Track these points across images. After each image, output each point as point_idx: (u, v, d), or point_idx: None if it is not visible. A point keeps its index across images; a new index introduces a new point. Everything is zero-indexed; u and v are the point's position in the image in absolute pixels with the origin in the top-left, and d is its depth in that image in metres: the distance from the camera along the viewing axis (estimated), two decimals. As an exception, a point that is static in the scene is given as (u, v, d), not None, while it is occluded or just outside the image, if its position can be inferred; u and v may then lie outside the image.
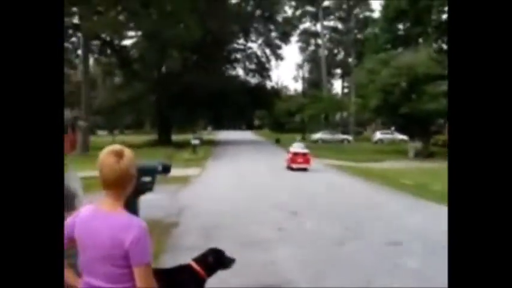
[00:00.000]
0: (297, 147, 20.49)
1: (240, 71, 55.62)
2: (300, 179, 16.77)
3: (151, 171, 7.05)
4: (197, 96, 45.59)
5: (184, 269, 3.62)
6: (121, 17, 36.91)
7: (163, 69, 46.09)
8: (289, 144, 23.60)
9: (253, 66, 54.60)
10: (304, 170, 19.31)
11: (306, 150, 20.06)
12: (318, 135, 48.08)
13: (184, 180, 15.31)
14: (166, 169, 7.71)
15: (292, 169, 19.41)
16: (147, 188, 7.08)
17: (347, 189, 14.57)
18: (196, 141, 29.85)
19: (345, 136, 48.27)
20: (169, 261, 5.66)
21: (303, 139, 50.75)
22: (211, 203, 11.38)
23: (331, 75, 70.62)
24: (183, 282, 3.54)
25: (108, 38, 40.99)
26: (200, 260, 3.65)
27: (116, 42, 43.09)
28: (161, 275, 3.74)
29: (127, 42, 45.74)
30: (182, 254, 6.47)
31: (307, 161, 19.68)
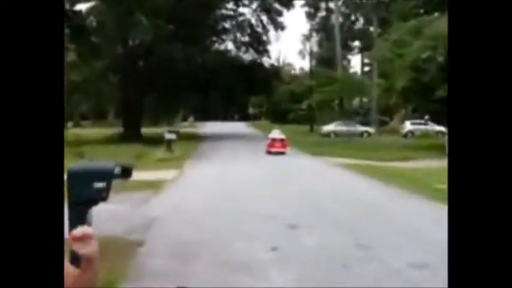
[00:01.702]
0: (275, 133, 30.30)
1: (229, 45, 55.56)
2: (297, 190, 16.90)
3: (106, 175, 6.95)
4: (174, 78, 45.52)
5: None
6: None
7: (130, 42, 45.96)
8: (294, 140, 30.93)
9: (246, 39, 54.48)
10: (282, 153, 27.83)
11: (283, 136, 29.64)
12: (329, 127, 48.29)
13: (155, 186, 15.39)
14: (126, 172, 7.59)
15: (270, 153, 28.10)
16: (100, 196, 7.04)
17: (357, 195, 14.66)
18: (171, 136, 29.72)
19: (365, 128, 48.45)
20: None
21: (311, 131, 51.05)
22: (187, 215, 11.45)
23: (347, 49, 70.77)
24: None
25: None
26: None
27: (68, 7, 42.99)
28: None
29: (82, 6, 45.63)
30: (148, 281, 6.53)
31: (284, 146, 28.83)
